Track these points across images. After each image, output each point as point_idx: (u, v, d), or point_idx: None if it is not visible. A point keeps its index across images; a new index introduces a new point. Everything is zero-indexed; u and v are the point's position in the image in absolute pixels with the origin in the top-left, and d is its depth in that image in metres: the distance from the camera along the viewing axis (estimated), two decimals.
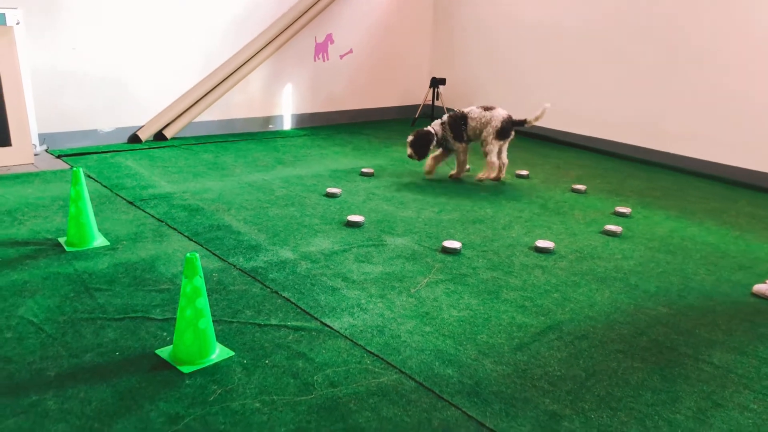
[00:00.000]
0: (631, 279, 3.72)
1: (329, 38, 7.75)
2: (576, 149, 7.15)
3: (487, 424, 2.35)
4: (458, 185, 5.51)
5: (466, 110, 5.55)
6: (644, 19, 6.50)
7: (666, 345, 2.99)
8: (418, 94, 8.81)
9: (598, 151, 7.04)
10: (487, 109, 5.53)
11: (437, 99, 8.27)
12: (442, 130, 5.57)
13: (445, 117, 5.60)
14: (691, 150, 6.33)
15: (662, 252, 4.17)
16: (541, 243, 4.11)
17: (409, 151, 5.60)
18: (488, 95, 8.15)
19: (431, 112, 8.44)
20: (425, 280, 3.57)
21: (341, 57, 7.95)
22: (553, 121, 7.49)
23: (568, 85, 7.27)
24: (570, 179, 5.85)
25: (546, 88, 7.49)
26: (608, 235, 4.43)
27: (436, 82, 8.07)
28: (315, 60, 7.72)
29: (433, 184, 5.51)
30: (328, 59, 7.83)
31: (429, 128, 5.61)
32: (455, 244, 4.00)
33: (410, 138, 5.58)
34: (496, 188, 5.46)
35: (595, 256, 4.04)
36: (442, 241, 4.15)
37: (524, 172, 5.90)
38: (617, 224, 4.62)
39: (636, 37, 6.59)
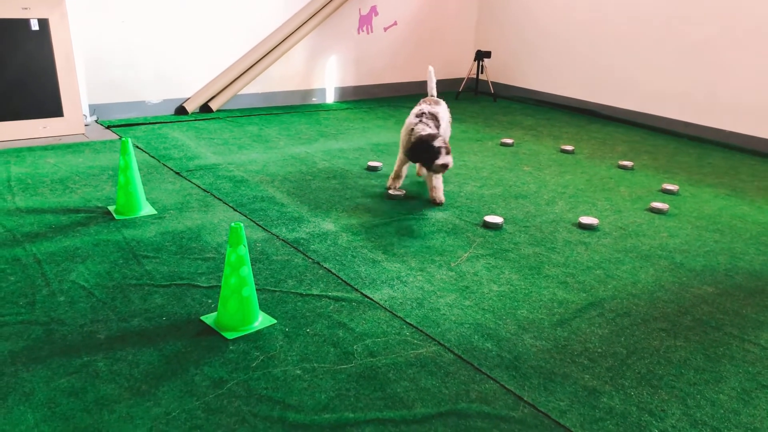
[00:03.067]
0: (676, 257, 3.65)
1: (373, 10, 7.70)
2: (623, 124, 6.99)
3: (525, 398, 2.36)
4: (501, 159, 5.45)
5: (426, 110, 4.38)
6: None
7: (711, 324, 2.94)
8: (463, 68, 8.71)
9: (647, 127, 6.87)
10: (437, 103, 4.63)
11: (482, 72, 8.17)
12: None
13: (424, 113, 4.36)
14: (744, 126, 6.12)
15: (710, 230, 4.07)
16: (585, 219, 4.05)
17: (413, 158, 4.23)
18: (535, 69, 8.01)
19: (476, 85, 8.35)
20: (466, 255, 3.56)
21: (385, 29, 7.90)
22: (600, 95, 7.34)
23: (616, 59, 7.09)
24: (616, 155, 5.74)
25: (594, 61, 7.32)
26: (654, 212, 4.35)
27: (482, 55, 7.96)
28: (359, 32, 7.69)
29: (474, 159, 5.47)
30: (372, 32, 7.79)
31: (429, 129, 4.22)
32: (497, 219, 3.98)
33: (417, 146, 4.14)
34: (540, 164, 5.39)
35: (640, 234, 3.97)
36: (484, 215, 4.12)
37: (569, 148, 5.80)
38: (664, 202, 4.52)
39: (689, 8, 6.37)
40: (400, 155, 4.49)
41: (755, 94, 5.98)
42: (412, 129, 4.25)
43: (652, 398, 2.40)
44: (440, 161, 4.03)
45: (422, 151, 4.09)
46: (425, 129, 4.20)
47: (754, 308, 3.11)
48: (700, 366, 2.62)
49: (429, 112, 4.37)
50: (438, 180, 4.34)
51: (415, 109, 4.45)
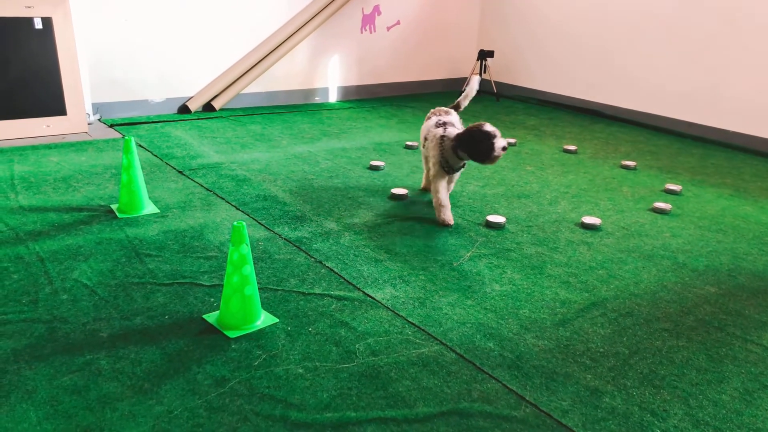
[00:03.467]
0: (679, 257, 3.65)
1: (376, 9, 7.70)
2: (626, 124, 6.98)
3: (527, 398, 2.36)
4: (504, 158, 5.45)
5: (443, 119, 4.12)
6: None
7: (713, 325, 2.94)
8: (466, 67, 8.70)
9: (650, 127, 6.86)
10: (447, 113, 4.27)
11: (485, 72, 8.17)
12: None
13: (442, 122, 4.09)
14: (748, 127, 6.11)
15: (713, 231, 4.07)
16: (588, 219, 4.05)
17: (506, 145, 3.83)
18: (538, 68, 8.01)
19: (479, 85, 8.32)
20: (468, 254, 3.56)
21: (388, 29, 7.90)
22: (603, 95, 7.33)
23: (619, 58, 7.08)
24: (619, 155, 5.73)
25: (598, 61, 7.32)
26: (657, 212, 4.34)
27: (484, 55, 7.95)
28: (362, 32, 7.69)
29: None
30: (374, 31, 7.79)
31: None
32: (499, 219, 3.98)
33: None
34: (543, 163, 5.38)
35: (643, 234, 3.97)
36: (486, 215, 4.12)
37: (572, 147, 5.80)
38: (667, 202, 4.52)
39: (693, 8, 6.36)
40: (434, 175, 3.97)
41: (759, 95, 5.97)
42: (443, 137, 3.91)
43: (654, 398, 2.40)
44: (499, 143, 3.72)
45: (477, 140, 3.73)
46: (456, 131, 3.94)
47: (756, 309, 3.10)
48: (703, 366, 2.62)
49: (446, 121, 4.07)
50: (450, 188, 4.23)
51: (431, 122, 4.12)
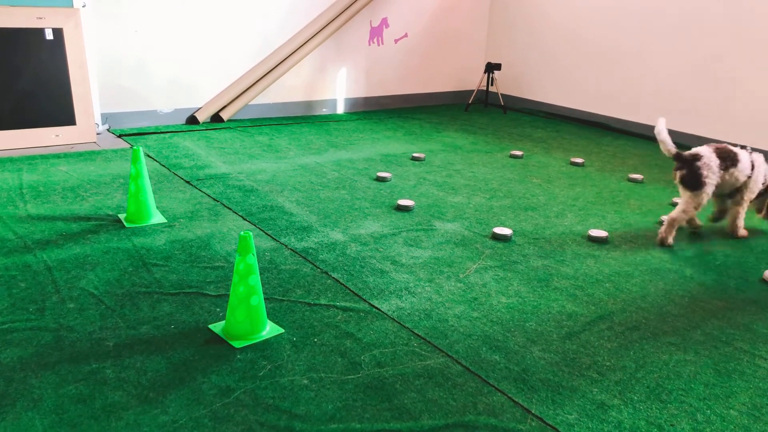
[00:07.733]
0: (686, 271, 3.63)
1: (384, 22, 7.74)
2: (634, 138, 6.98)
3: (533, 411, 2.35)
4: (511, 171, 5.45)
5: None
6: (712, 2, 6.27)
7: (721, 339, 2.92)
8: (473, 80, 8.73)
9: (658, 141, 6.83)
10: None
11: (492, 84, 8.18)
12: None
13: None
14: (757, 141, 6.09)
15: (721, 245, 4.05)
16: (595, 232, 4.04)
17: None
18: (545, 81, 8.02)
19: (485, 98, 8.36)
20: (474, 266, 3.56)
21: (396, 41, 7.93)
22: (611, 108, 7.33)
23: (627, 72, 7.09)
24: (627, 168, 5.72)
25: (606, 74, 7.32)
26: None
27: (492, 67, 7.98)
28: (369, 44, 7.73)
29: (484, 171, 5.47)
30: (382, 43, 7.83)
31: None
32: (506, 231, 3.97)
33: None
34: (550, 176, 5.38)
35: (650, 247, 3.95)
36: (493, 227, 4.12)
37: (579, 160, 5.79)
38: None
39: (701, 22, 6.36)
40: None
41: (767, 108, 5.96)
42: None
43: (662, 413, 2.38)
44: None
45: None
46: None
47: (765, 323, 3.08)
48: (710, 381, 2.60)
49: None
50: None
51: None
